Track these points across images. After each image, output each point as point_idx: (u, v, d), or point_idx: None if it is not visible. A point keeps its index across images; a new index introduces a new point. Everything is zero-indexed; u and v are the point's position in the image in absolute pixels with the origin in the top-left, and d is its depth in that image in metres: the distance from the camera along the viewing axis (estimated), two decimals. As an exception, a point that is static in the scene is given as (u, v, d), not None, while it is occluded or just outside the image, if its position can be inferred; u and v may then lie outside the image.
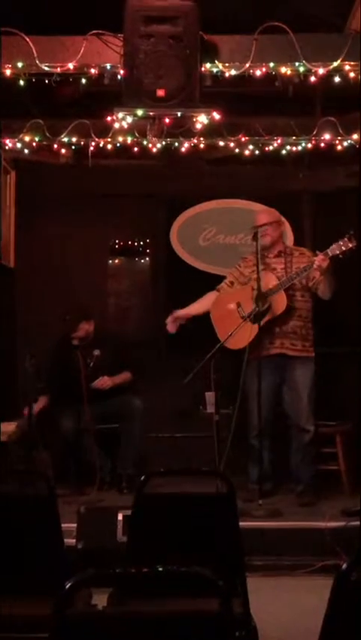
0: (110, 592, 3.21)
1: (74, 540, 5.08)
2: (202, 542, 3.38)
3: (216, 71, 5.71)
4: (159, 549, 3.28)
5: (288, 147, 7.25)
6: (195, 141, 7.15)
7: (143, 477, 3.39)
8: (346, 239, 5.90)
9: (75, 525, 5.14)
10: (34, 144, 7.11)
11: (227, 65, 5.71)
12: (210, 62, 5.68)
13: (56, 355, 6.91)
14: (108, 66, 5.74)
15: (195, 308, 6.56)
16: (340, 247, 5.91)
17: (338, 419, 6.73)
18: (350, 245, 5.89)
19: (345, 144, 7.00)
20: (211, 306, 6.50)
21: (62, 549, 3.41)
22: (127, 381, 6.92)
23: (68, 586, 1.82)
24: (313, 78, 5.77)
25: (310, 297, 6.32)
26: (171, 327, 6.54)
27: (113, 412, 6.73)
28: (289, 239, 7.75)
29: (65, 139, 7.00)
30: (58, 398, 6.80)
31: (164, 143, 7.16)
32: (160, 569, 1.89)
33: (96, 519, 5.20)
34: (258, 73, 5.73)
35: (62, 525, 3.47)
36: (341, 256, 5.93)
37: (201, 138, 7.12)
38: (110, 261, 8.80)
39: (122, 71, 5.55)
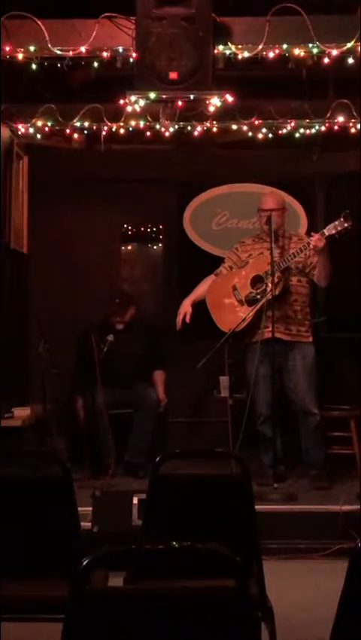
0: (125, 574, 3.21)
1: (90, 524, 5.09)
2: (218, 524, 3.38)
3: (229, 54, 5.67)
4: (174, 531, 3.28)
5: (301, 130, 7.20)
6: (208, 124, 7.12)
7: (158, 459, 3.39)
8: (341, 218, 5.90)
9: (90, 509, 5.16)
10: (46, 129, 7.09)
11: (240, 47, 5.67)
12: (222, 45, 5.65)
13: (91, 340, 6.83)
14: (120, 49, 5.72)
15: (199, 292, 6.54)
16: (335, 227, 5.91)
17: (351, 403, 6.71)
18: (346, 225, 5.88)
19: (359, 126, 6.95)
20: (206, 290, 6.49)
21: (78, 531, 3.41)
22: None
23: (84, 564, 1.82)
24: (326, 60, 5.74)
25: (308, 282, 6.31)
26: (180, 322, 6.51)
27: (129, 400, 6.73)
28: (303, 223, 7.72)
29: (78, 124, 6.96)
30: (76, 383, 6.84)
31: (177, 127, 7.12)
32: (176, 545, 1.89)
33: (112, 502, 5.22)
34: (271, 55, 5.69)
35: (78, 508, 3.47)
36: (337, 236, 5.92)
37: (214, 122, 7.08)
38: (123, 247, 8.79)
39: (134, 54, 5.53)
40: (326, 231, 5.93)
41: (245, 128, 7.17)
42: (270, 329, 6.04)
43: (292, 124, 7.10)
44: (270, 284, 6.07)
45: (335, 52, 5.66)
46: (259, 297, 6.17)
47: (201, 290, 6.55)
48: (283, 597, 3.71)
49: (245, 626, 1.97)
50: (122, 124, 7.03)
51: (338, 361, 7.27)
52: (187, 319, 6.44)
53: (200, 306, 6.54)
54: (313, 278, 6.26)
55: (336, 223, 5.91)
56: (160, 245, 8.87)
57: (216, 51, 5.58)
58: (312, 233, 6.08)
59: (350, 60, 5.73)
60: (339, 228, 5.89)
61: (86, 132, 7.19)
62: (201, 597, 1.96)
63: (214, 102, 6.02)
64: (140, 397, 6.76)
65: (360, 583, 2.08)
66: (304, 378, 6.24)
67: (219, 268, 6.59)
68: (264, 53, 5.68)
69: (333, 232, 5.91)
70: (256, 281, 6.26)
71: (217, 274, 6.57)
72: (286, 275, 6.20)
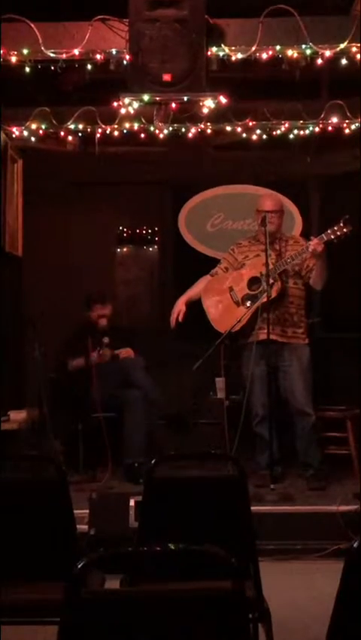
0: (122, 577, 3.21)
1: (86, 527, 5.08)
2: (214, 526, 3.38)
3: (223, 55, 5.69)
4: (171, 533, 3.28)
5: (295, 131, 7.21)
6: (202, 126, 7.12)
7: (153, 461, 3.38)
8: (341, 224, 5.89)
9: (87, 511, 5.15)
10: (40, 132, 7.09)
11: (233, 48, 5.69)
12: (216, 46, 5.66)
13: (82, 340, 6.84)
14: (114, 52, 5.74)
15: (195, 291, 6.57)
16: (335, 232, 5.91)
17: (348, 404, 6.72)
18: (345, 230, 5.88)
19: (353, 127, 6.96)
20: (202, 291, 6.50)
21: (74, 534, 3.40)
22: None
23: (80, 566, 1.82)
24: (319, 61, 5.75)
25: (303, 285, 6.33)
26: (173, 321, 6.54)
27: (115, 402, 6.67)
28: (298, 224, 7.72)
29: (72, 126, 6.98)
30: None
31: (170, 129, 7.13)
32: (172, 547, 1.89)
33: (108, 505, 5.20)
34: (264, 56, 5.71)
35: (74, 511, 3.46)
36: (335, 241, 5.92)
37: (208, 124, 7.09)
38: (119, 249, 8.80)
39: (127, 57, 5.53)
40: (325, 236, 5.93)
41: (239, 129, 7.18)
42: (265, 331, 6.05)
43: (286, 125, 7.11)
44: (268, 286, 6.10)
45: (328, 53, 5.67)
46: (255, 298, 6.17)
47: (195, 289, 6.57)
48: (280, 598, 3.71)
49: (242, 627, 1.98)
50: (116, 126, 7.04)
51: (335, 361, 7.27)
52: (180, 318, 6.46)
53: (195, 307, 6.54)
54: (310, 282, 6.27)
55: (335, 228, 5.91)
56: (155, 246, 8.88)
57: (209, 53, 5.59)
58: (311, 237, 6.08)
59: (344, 61, 5.74)
60: (338, 233, 5.90)
61: (80, 134, 7.19)
62: (198, 599, 1.96)
63: (208, 104, 6.02)
64: (125, 398, 6.70)
65: (356, 583, 2.08)
66: (299, 379, 6.25)
67: (215, 269, 6.61)
68: (257, 54, 5.69)
69: (332, 237, 5.92)
70: (253, 282, 6.28)
71: (213, 274, 6.59)
72: (284, 278, 6.21)
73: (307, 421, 6.24)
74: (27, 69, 5.80)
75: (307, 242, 6.21)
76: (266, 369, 6.06)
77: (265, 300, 6.05)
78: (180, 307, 6.52)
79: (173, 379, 7.20)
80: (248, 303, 6.22)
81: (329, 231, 5.93)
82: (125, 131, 7.14)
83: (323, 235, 5.95)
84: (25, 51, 5.72)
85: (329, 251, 6.04)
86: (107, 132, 7.09)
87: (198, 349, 6.19)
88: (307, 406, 6.24)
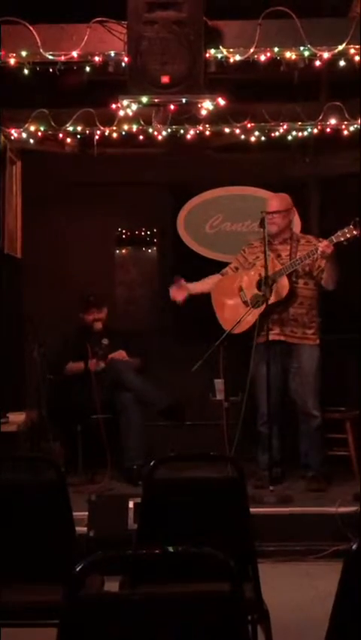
0: (121, 579, 3.21)
1: (86, 529, 5.08)
2: (213, 527, 3.38)
3: (221, 57, 5.69)
4: (170, 535, 3.28)
5: (294, 133, 7.22)
6: (201, 128, 7.13)
7: (152, 463, 3.38)
8: (351, 226, 5.89)
9: (86, 513, 5.15)
10: (39, 133, 7.10)
11: (231, 50, 5.69)
12: (214, 48, 5.67)
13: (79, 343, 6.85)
14: (112, 54, 5.74)
15: (199, 286, 6.56)
16: (344, 234, 5.91)
17: (347, 405, 6.72)
18: (355, 233, 5.88)
19: (351, 128, 6.97)
20: (213, 290, 6.50)
21: (74, 536, 3.41)
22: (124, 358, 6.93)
23: (79, 569, 1.82)
24: (318, 63, 5.74)
25: (315, 285, 6.31)
26: (176, 294, 6.52)
27: (110, 404, 6.66)
28: (297, 225, 7.72)
29: (71, 128, 6.98)
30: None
31: (169, 131, 7.13)
32: (171, 550, 1.89)
33: (107, 507, 5.20)
34: (262, 58, 5.71)
35: (74, 513, 3.46)
36: (345, 243, 5.92)
37: (207, 126, 7.10)
38: (118, 251, 8.80)
39: (126, 59, 5.54)
40: (335, 238, 5.93)
41: (238, 131, 7.18)
42: (274, 331, 6.11)
43: (285, 127, 7.12)
44: (277, 287, 6.09)
45: (326, 54, 5.67)
46: (262, 299, 6.15)
47: (201, 285, 6.54)
48: (279, 600, 3.71)
49: (241, 629, 1.98)
50: (114, 128, 7.05)
51: (335, 362, 7.27)
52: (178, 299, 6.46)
53: (196, 308, 6.53)
54: (321, 282, 6.26)
55: (345, 230, 5.90)
56: (154, 248, 8.88)
57: (207, 55, 5.60)
58: (320, 239, 6.08)
59: (342, 62, 5.74)
60: (348, 235, 5.89)
61: (79, 136, 7.20)
62: (197, 601, 1.96)
63: (206, 106, 6.02)
64: (118, 402, 6.67)
65: (355, 585, 2.08)
66: (307, 380, 6.24)
67: (225, 268, 6.62)
68: (255, 56, 5.69)
69: (341, 239, 5.91)
70: (265, 283, 6.26)
71: (223, 274, 6.59)
72: (293, 279, 6.20)
73: (313, 422, 6.23)
74: (26, 71, 5.80)
75: (318, 241, 6.20)
76: (273, 369, 6.05)
77: (269, 302, 6.05)
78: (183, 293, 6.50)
79: (172, 381, 7.19)
80: (255, 304, 6.20)
81: (338, 233, 5.93)
82: (123, 133, 7.14)
83: (333, 237, 5.95)
84: (23, 53, 5.72)
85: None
86: (106, 133, 7.09)
87: (199, 350, 6.19)
88: (313, 407, 6.23)
